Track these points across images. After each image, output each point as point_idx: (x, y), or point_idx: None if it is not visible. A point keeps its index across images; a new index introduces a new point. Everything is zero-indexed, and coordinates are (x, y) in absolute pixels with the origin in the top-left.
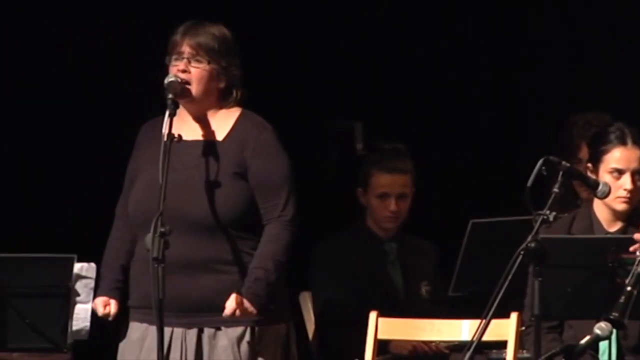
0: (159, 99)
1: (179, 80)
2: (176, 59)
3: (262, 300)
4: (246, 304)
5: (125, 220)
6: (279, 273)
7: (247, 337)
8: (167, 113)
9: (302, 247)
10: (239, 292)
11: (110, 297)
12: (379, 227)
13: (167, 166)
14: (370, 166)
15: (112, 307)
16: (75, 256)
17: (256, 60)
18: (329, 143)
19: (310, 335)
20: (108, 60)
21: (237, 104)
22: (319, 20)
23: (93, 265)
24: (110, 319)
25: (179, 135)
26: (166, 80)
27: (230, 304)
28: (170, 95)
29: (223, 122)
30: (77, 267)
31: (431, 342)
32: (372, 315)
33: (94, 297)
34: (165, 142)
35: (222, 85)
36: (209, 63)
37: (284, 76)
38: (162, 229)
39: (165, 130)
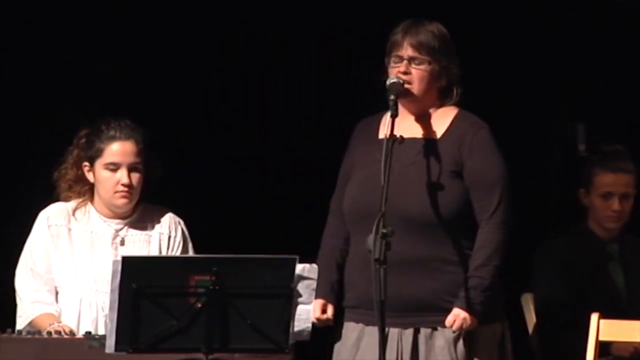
0: (377, 98)
1: (401, 81)
2: (396, 61)
3: (479, 307)
4: (463, 318)
5: (339, 217)
6: (494, 278)
7: (463, 337)
8: (389, 114)
9: (524, 248)
10: (458, 305)
11: (327, 300)
12: (601, 228)
13: (389, 168)
14: (593, 166)
15: (329, 311)
16: (297, 257)
17: (480, 62)
18: (552, 144)
19: (532, 336)
20: (321, 60)
21: (455, 103)
22: (541, 21)
23: (315, 266)
24: (330, 324)
25: (401, 137)
26: (388, 82)
27: (449, 323)
28: (392, 97)
29: (440, 120)
30: (299, 268)
31: None
32: (594, 317)
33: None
34: (387, 143)
35: (442, 84)
36: (429, 64)
37: (512, 78)
38: (384, 230)
39: (387, 131)
